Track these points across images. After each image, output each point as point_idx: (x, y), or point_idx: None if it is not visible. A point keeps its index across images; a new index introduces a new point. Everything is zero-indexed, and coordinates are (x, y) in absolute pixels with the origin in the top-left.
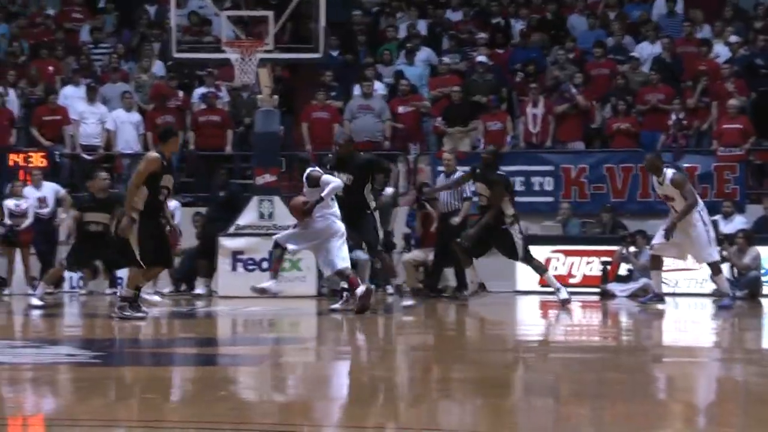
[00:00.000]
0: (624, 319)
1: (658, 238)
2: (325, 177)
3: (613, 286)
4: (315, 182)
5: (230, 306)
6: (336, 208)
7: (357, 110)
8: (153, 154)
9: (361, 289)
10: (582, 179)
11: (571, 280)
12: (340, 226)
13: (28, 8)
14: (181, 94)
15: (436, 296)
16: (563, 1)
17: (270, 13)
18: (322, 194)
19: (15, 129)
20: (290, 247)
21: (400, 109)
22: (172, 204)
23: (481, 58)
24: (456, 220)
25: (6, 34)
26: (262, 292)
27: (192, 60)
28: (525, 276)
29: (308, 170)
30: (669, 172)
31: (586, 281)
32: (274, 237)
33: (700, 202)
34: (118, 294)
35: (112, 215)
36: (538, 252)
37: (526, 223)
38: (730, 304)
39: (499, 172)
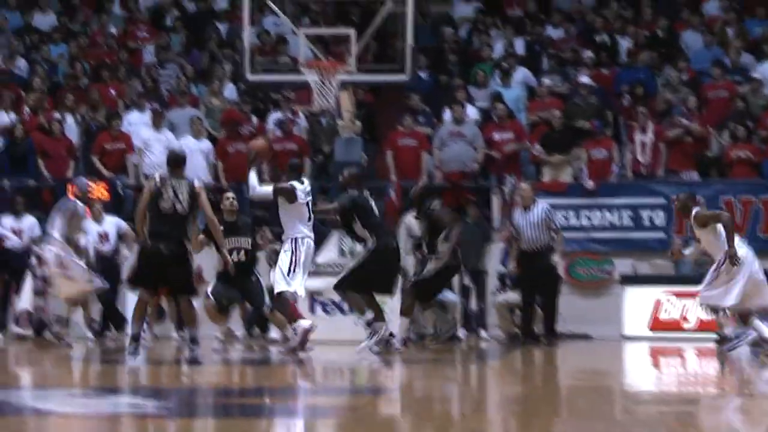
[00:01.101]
0: (744, 368)
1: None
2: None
3: (732, 332)
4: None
5: (307, 351)
6: (309, 230)
7: (447, 137)
8: (200, 182)
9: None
10: None
11: (685, 325)
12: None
13: (89, 27)
14: (254, 120)
15: (534, 342)
16: (676, 16)
17: (352, 31)
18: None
19: (74, 158)
20: (299, 292)
21: (496, 136)
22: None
23: (585, 79)
24: (556, 260)
25: (65, 55)
26: (306, 334)
27: (267, 82)
28: (633, 320)
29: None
30: (693, 211)
31: (702, 326)
32: (278, 290)
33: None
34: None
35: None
36: (647, 293)
37: (634, 261)
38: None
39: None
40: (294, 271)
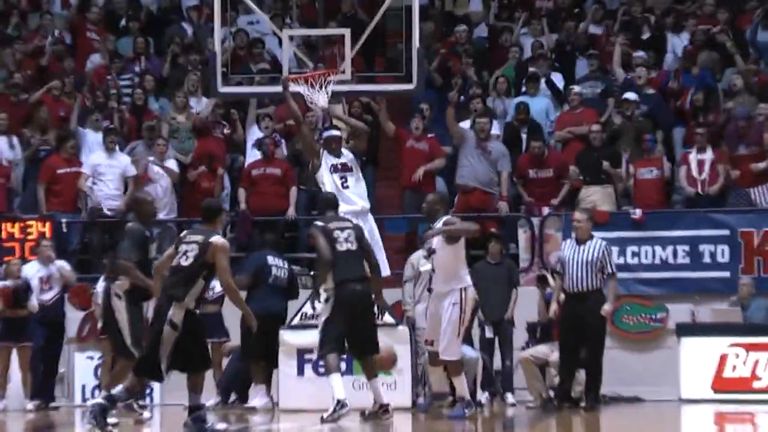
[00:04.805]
0: None
1: None
2: None
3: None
4: None
5: (296, 423)
6: None
7: (471, 149)
8: (222, 239)
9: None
10: None
11: (756, 384)
12: None
13: (26, 29)
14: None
15: (572, 407)
16: (741, 7)
17: (347, 31)
18: None
19: (8, 189)
20: None
21: (532, 174)
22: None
23: (631, 96)
24: (608, 308)
25: None
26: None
27: (243, 96)
28: (692, 379)
29: None
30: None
31: None
32: None
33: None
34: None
35: None
36: (709, 346)
37: (692, 306)
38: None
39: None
40: None
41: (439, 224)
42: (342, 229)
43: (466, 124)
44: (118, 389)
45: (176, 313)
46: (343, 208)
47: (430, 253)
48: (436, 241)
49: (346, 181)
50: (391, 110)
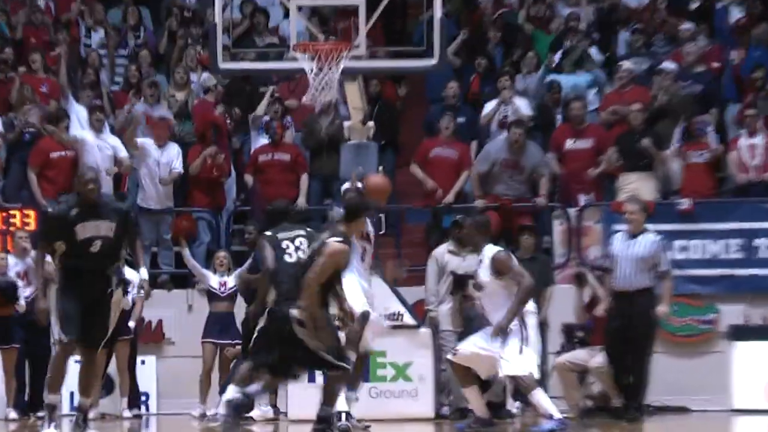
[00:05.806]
0: None
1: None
2: None
3: None
4: None
5: None
6: None
7: (498, 168)
8: (339, 244)
9: None
10: None
11: None
12: None
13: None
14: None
15: (612, 417)
16: None
17: (361, 1)
18: None
19: None
20: None
21: (569, 144)
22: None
23: (669, 65)
24: (663, 309)
25: None
26: None
27: (247, 72)
28: (746, 387)
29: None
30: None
31: None
32: None
33: None
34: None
35: None
36: (766, 349)
37: (746, 307)
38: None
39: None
40: None
41: (484, 259)
42: (292, 239)
43: (491, 104)
44: (253, 387)
45: (297, 312)
46: (355, 280)
47: (479, 288)
48: (483, 274)
49: (365, 252)
50: (408, 96)
